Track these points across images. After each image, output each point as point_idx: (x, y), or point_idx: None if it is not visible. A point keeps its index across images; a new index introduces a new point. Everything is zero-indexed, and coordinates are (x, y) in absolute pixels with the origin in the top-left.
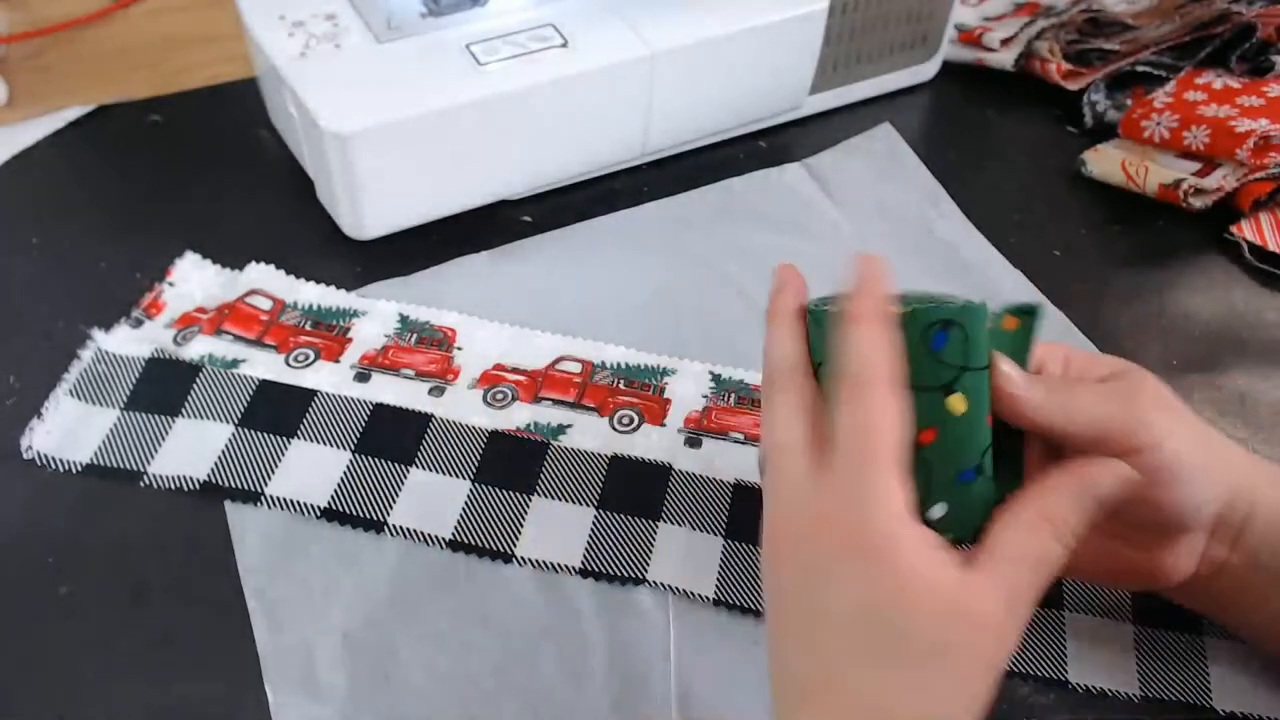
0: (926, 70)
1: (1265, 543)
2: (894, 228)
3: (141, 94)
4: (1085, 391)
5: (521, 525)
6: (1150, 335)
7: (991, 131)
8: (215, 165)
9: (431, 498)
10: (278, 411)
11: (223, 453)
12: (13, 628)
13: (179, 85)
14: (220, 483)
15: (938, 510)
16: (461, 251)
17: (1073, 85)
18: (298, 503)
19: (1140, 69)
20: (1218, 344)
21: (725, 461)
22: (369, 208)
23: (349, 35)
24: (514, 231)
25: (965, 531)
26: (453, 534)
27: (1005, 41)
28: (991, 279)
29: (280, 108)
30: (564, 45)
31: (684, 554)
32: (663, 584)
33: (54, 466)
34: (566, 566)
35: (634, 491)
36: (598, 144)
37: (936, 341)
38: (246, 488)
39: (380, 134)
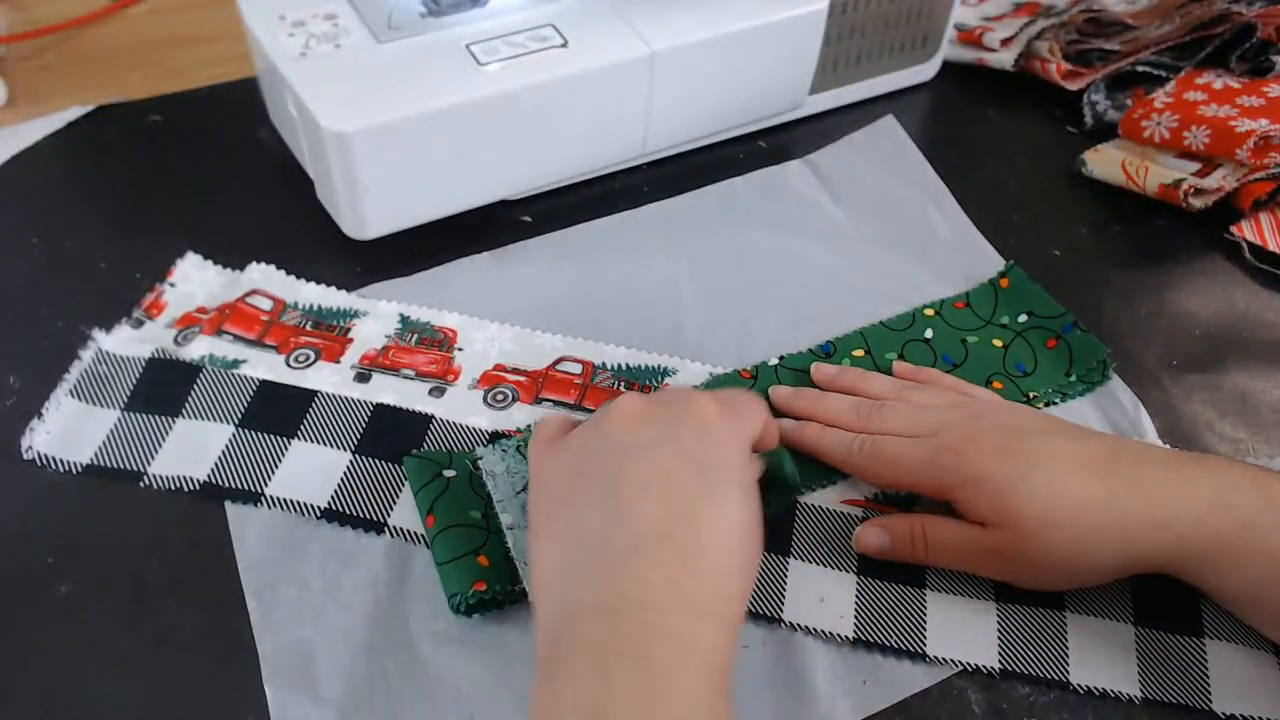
0: (926, 70)
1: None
2: (895, 228)
3: (141, 94)
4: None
5: None
6: (1150, 335)
7: (991, 131)
8: (215, 165)
9: None
10: (278, 412)
11: (223, 453)
12: (13, 627)
13: (179, 85)
14: (220, 483)
15: None
16: (462, 251)
17: (1073, 85)
18: (298, 503)
19: (1140, 69)
20: (1218, 344)
21: None
22: (369, 208)
23: (349, 35)
24: (514, 231)
25: None
26: None
27: (1005, 41)
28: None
29: (280, 108)
30: (564, 45)
31: None
32: None
33: (54, 467)
34: None
35: None
36: (598, 144)
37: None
38: (247, 488)
39: (380, 134)
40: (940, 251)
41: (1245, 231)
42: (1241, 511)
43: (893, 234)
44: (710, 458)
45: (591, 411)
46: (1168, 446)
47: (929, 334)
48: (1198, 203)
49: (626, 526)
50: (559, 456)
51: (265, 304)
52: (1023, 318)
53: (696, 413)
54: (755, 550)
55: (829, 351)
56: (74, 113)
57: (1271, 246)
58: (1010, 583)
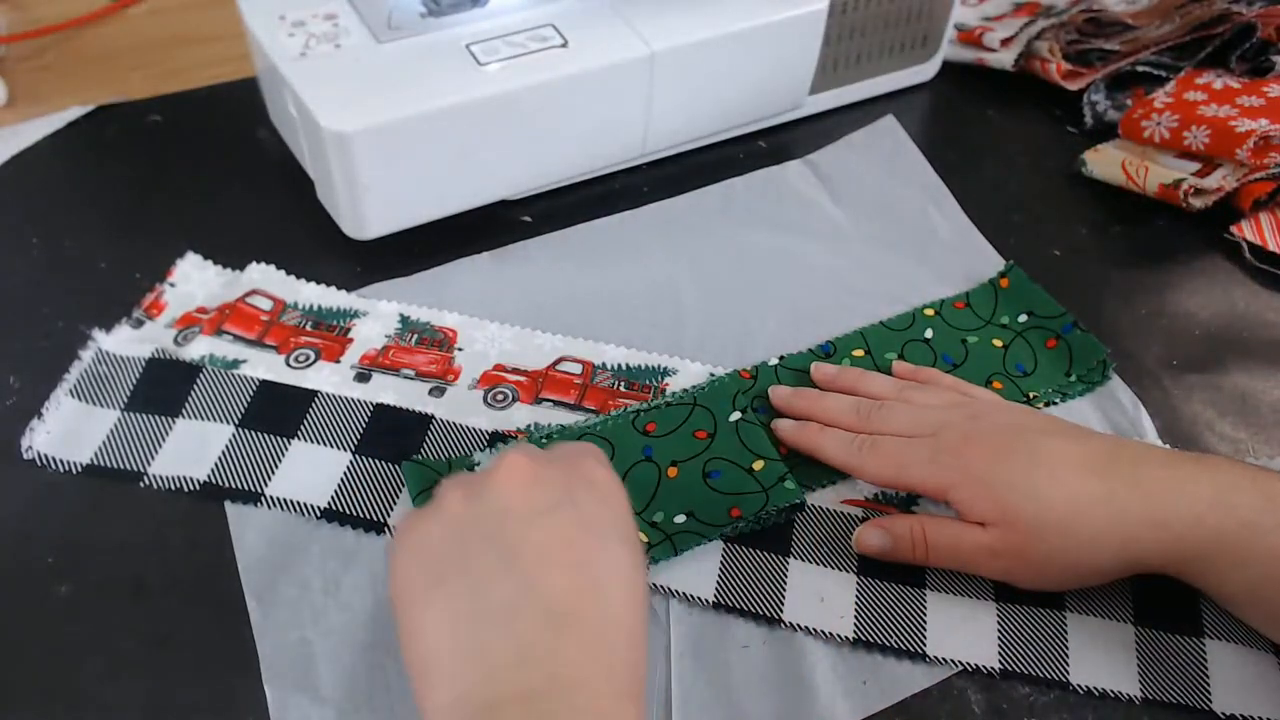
0: (926, 70)
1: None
2: (895, 228)
3: (141, 94)
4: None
5: None
6: (1150, 335)
7: (991, 131)
8: (215, 165)
9: None
10: (278, 412)
11: (223, 453)
12: (13, 628)
13: (179, 85)
14: (220, 483)
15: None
16: (462, 252)
17: (1073, 85)
18: (298, 503)
19: (1140, 69)
20: (1218, 344)
21: None
22: (369, 208)
23: (349, 35)
24: (514, 231)
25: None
26: None
27: (1005, 41)
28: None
29: (280, 108)
30: (564, 45)
31: (684, 557)
32: (663, 587)
33: (54, 466)
34: None
35: None
36: (598, 144)
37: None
38: (247, 488)
39: (380, 134)
40: (940, 251)
41: (1245, 231)
42: (1241, 511)
43: (893, 234)
44: (607, 522)
45: (592, 411)
46: (1168, 446)
47: (929, 334)
48: (1198, 203)
49: (536, 600)
50: (436, 519)
51: (265, 304)
52: (1023, 318)
53: (587, 475)
54: (645, 612)
55: (829, 351)
56: (74, 113)
57: (1271, 246)
58: (1011, 583)
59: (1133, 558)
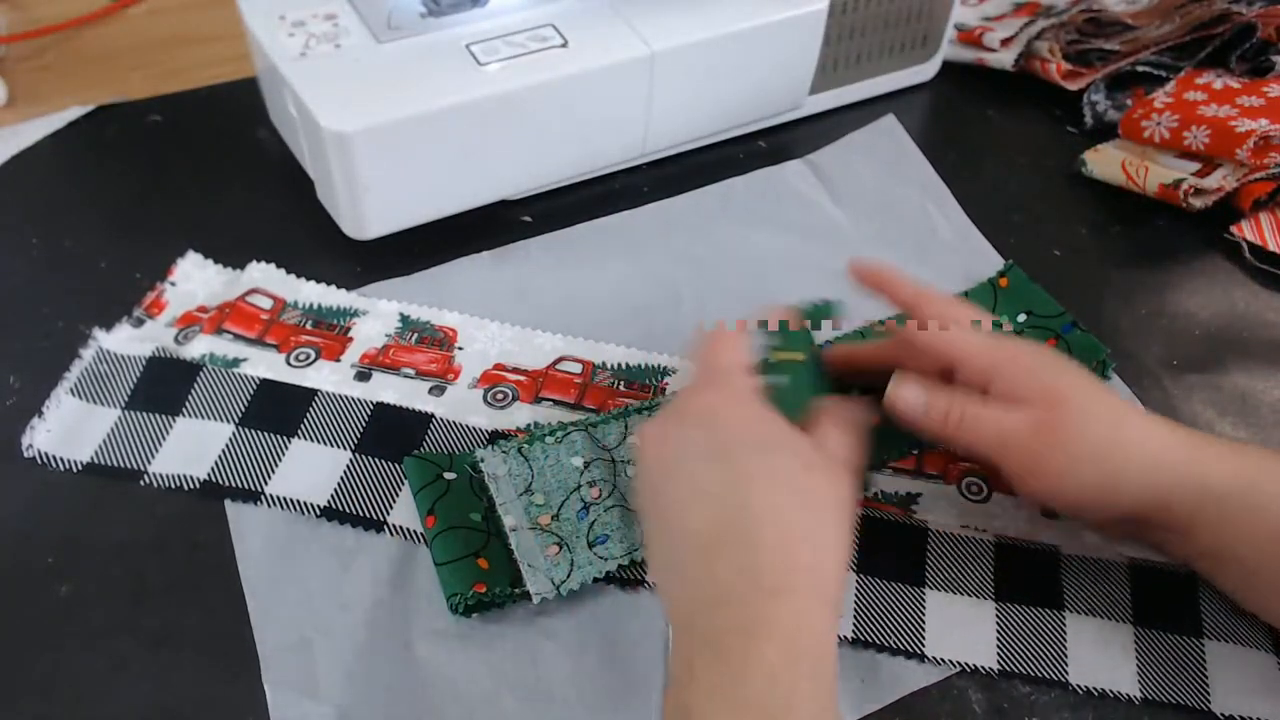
0: (926, 70)
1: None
2: (895, 227)
3: (141, 94)
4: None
5: None
6: (1150, 335)
7: (991, 131)
8: (215, 165)
9: None
10: (278, 411)
11: (223, 452)
12: (13, 628)
13: (179, 85)
14: (221, 482)
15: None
16: (461, 251)
17: (1073, 85)
18: (298, 502)
19: (1140, 69)
20: (1218, 344)
21: None
22: (369, 208)
23: (349, 35)
24: (514, 231)
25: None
26: None
27: (1005, 41)
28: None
29: (280, 108)
30: (564, 45)
31: None
32: None
33: (55, 465)
34: None
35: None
36: (598, 144)
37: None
38: (247, 487)
39: (380, 134)
40: (940, 251)
41: (1245, 231)
42: (1276, 477)
43: (893, 234)
44: (727, 442)
45: (592, 410)
46: None
47: None
48: (1198, 203)
49: (686, 544)
50: (637, 485)
51: (265, 303)
52: (1022, 317)
53: (698, 409)
54: (821, 509)
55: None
56: (74, 113)
57: (1271, 246)
58: (1028, 493)
59: (1158, 493)
